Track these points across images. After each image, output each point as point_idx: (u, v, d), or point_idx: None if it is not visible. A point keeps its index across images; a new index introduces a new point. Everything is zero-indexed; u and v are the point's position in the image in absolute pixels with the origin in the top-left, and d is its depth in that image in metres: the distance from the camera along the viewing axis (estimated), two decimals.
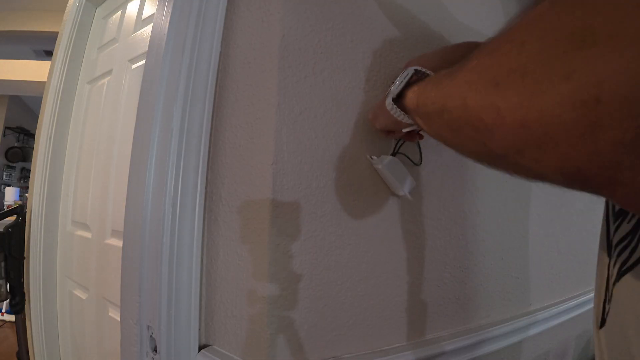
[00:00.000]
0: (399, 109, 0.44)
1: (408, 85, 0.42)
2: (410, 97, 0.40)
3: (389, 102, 0.44)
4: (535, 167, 0.21)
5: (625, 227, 0.28)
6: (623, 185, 0.16)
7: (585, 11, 0.17)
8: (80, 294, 1.13)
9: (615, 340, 0.28)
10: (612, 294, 0.29)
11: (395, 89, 0.43)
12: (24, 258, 1.21)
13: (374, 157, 0.56)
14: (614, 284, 0.29)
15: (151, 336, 0.55)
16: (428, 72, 0.43)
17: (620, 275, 0.28)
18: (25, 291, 1.20)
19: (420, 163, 0.62)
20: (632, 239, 0.27)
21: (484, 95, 0.23)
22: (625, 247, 0.28)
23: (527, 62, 0.19)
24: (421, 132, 0.54)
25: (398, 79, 0.44)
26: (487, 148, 0.24)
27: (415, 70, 0.43)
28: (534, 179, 0.23)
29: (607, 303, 0.29)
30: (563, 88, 0.17)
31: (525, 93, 0.19)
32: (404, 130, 0.49)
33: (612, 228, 0.30)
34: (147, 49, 0.64)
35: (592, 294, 1.03)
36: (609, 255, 0.30)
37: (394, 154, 0.58)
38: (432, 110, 0.32)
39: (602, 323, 0.30)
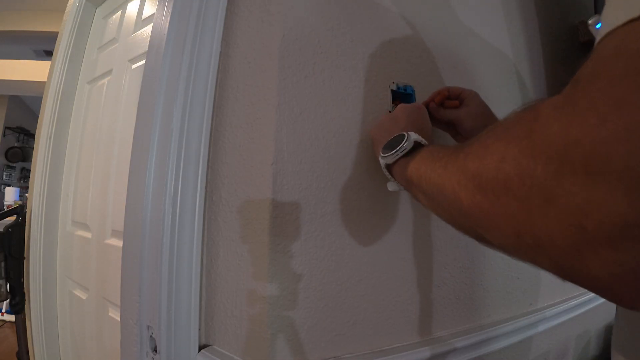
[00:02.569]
0: (390, 176, 0.47)
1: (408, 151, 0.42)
2: (411, 172, 0.40)
3: (383, 166, 0.46)
4: (531, 261, 0.22)
5: None
6: (611, 293, 0.18)
7: (564, 139, 0.17)
8: (80, 294, 1.13)
9: (621, 334, 0.29)
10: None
11: (392, 157, 0.43)
12: (24, 258, 1.21)
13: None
14: None
15: (151, 336, 0.55)
16: (424, 142, 0.42)
17: None
18: (25, 291, 1.20)
19: None
20: None
21: (473, 197, 0.24)
22: None
23: (508, 178, 0.20)
24: None
25: (403, 143, 0.42)
26: (480, 235, 0.26)
27: (415, 142, 0.42)
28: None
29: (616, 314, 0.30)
30: (549, 211, 0.18)
31: (513, 207, 0.20)
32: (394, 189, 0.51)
33: None
34: (147, 49, 0.64)
35: (591, 294, 1.03)
36: None
37: None
38: (428, 193, 0.34)
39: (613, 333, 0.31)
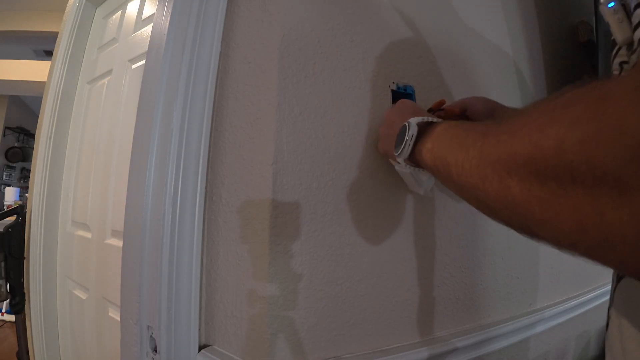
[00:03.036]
0: (413, 167, 0.42)
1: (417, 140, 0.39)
2: (427, 157, 0.36)
3: (401, 163, 0.42)
4: (591, 257, 0.20)
5: None
6: None
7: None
8: (80, 294, 1.13)
9: (612, 340, 0.28)
10: (613, 298, 0.29)
11: (406, 150, 0.40)
12: (24, 258, 1.21)
13: (400, 162, 0.50)
14: (614, 289, 0.29)
15: (151, 336, 0.55)
16: (433, 119, 0.39)
17: (618, 280, 0.28)
18: (25, 291, 1.20)
19: None
20: None
21: (526, 186, 0.21)
22: None
23: (574, 162, 0.18)
24: None
25: (406, 135, 0.40)
26: (529, 228, 0.23)
27: (418, 124, 0.39)
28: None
29: (610, 308, 0.30)
30: (622, 204, 0.16)
31: (580, 197, 0.18)
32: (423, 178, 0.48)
33: None
34: (147, 49, 0.64)
35: (592, 294, 1.03)
36: None
37: None
38: (461, 184, 0.29)
39: (607, 327, 0.31)
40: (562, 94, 0.20)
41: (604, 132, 0.16)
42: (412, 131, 0.39)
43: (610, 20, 0.31)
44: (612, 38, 0.32)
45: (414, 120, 0.39)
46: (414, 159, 0.40)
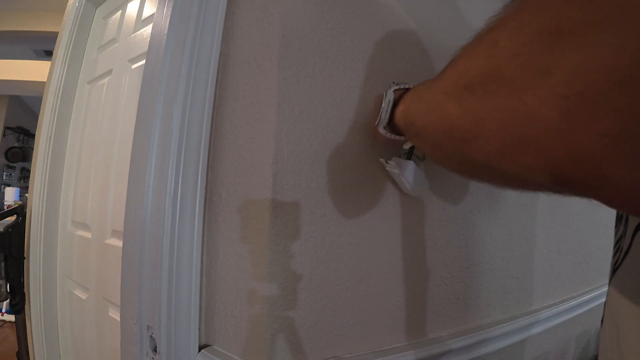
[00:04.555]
0: (392, 134, 0.43)
1: (395, 106, 0.41)
2: (399, 117, 0.38)
3: (381, 130, 0.44)
4: (519, 171, 0.20)
5: (621, 230, 0.28)
6: (610, 184, 0.16)
7: (559, 2, 0.16)
8: (80, 294, 1.13)
9: (607, 336, 0.28)
10: (607, 294, 0.29)
11: (384, 116, 0.41)
12: (24, 258, 1.21)
13: (390, 162, 0.53)
14: (609, 284, 0.29)
15: (151, 336, 0.55)
16: (407, 85, 0.40)
17: (612, 275, 0.28)
18: (25, 291, 1.20)
19: (424, 158, 0.61)
20: (621, 241, 0.27)
21: (461, 103, 0.22)
22: (618, 250, 0.28)
23: (501, 63, 0.19)
24: None
25: (383, 104, 0.42)
26: (468, 157, 0.23)
27: (395, 90, 0.41)
28: (521, 188, 0.23)
29: (605, 305, 0.30)
30: (543, 85, 0.16)
31: (503, 95, 0.18)
32: (405, 147, 0.49)
33: (614, 232, 0.31)
34: (147, 49, 0.64)
35: (592, 294, 1.03)
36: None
37: (408, 157, 0.55)
38: (418, 128, 0.31)
39: (602, 322, 0.31)
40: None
41: (528, 24, 0.17)
42: (389, 97, 0.40)
43: None
44: None
45: (390, 89, 0.40)
46: (395, 129, 0.41)
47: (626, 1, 0.14)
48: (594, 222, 1.08)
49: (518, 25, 0.18)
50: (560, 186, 0.18)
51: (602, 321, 0.30)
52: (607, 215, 1.17)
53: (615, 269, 0.28)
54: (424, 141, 0.31)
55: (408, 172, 0.52)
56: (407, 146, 0.49)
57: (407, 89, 0.39)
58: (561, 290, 0.94)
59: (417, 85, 0.36)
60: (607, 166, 0.15)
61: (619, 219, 0.30)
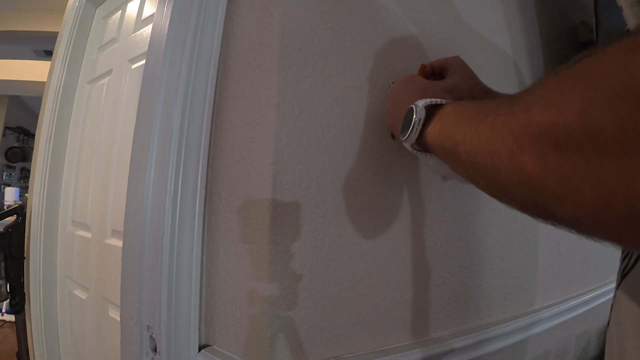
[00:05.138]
0: (420, 151, 0.40)
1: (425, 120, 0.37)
2: (433, 138, 0.35)
3: (406, 146, 0.41)
4: (612, 238, 0.18)
5: None
6: None
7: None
8: (80, 294, 1.13)
9: (613, 338, 0.28)
10: (615, 298, 0.29)
11: (413, 135, 0.38)
12: (24, 258, 1.21)
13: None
14: (617, 288, 0.29)
15: (151, 336, 0.55)
16: (438, 101, 0.37)
17: (621, 279, 0.28)
18: (25, 291, 1.20)
19: None
20: None
21: (544, 159, 0.19)
22: (627, 254, 0.28)
23: (603, 126, 0.16)
24: None
25: (413, 119, 0.37)
26: (545, 208, 0.21)
27: (426, 107, 0.37)
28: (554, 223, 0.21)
29: (612, 307, 0.30)
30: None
31: (605, 166, 0.16)
32: (429, 163, 0.45)
33: None
34: (147, 49, 0.64)
35: (592, 294, 1.03)
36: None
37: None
38: (471, 164, 0.27)
39: (608, 324, 0.31)
40: (587, 52, 0.18)
41: (636, 86, 0.14)
42: (420, 115, 0.37)
43: (622, 4, 0.30)
44: (627, 28, 0.31)
45: (421, 103, 0.37)
46: (420, 142, 0.38)
47: None
48: None
49: (617, 87, 0.15)
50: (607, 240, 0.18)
51: (608, 323, 0.30)
52: None
53: (624, 274, 0.28)
54: (477, 177, 0.27)
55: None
56: (432, 162, 0.44)
57: (438, 105, 0.36)
58: (561, 290, 0.94)
59: (458, 105, 0.33)
60: None
61: None
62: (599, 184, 0.16)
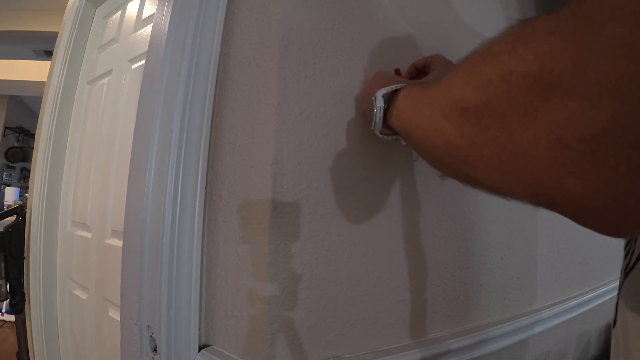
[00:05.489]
0: (389, 135, 0.44)
1: (387, 105, 0.41)
2: (393, 121, 0.39)
3: (377, 134, 0.45)
4: (509, 193, 0.22)
5: None
6: (593, 217, 0.18)
7: (548, 54, 0.17)
8: (80, 294, 1.13)
9: (619, 338, 0.28)
10: (619, 297, 0.29)
11: (378, 122, 0.42)
12: (24, 258, 1.21)
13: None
14: (620, 287, 0.29)
15: (151, 336, 0.55)
16: (396, 87, 0.41)
17: (624, 278, 0.28)
18: (25, 291, 1.20)
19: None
20: (632, 244, 0.27)
21: (458, 126, 0.23)
22: (628, 253, 0.28)
23: (494, 99, 0.20)
24: None
25: (374, 109, 0.42)
26: (465, 174, 0.25)
27: (383, 95, 0.41)
28: (507, 198, 0.25)
29: (617, 306, 0.30)
30: (532, 126, 0.18)
31: (497, 128, 0.20)
32: (403, 143, 0.50)
33: None
34: (147, 49, 0.64)
35: (592, 294, 1.03)
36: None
37: None
38: (418, 138, 0.32)
39: (614, 324, 0.31)
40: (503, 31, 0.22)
41: (518, 68, 0.19)
42: (379, 104, 0.41)
43: None
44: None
45: (379, 93, 0.41)
46: (391, 128, 0.42)
47: (613, 68, 0.15)
48: None
49: (511, 65, 0.19)
50: (543, 206, 0.21)
51: (614, 323, 0.30)
52: None
53: (627, 272, 0.28)
54: (423, 151, 0.32)
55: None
56: (405, 143, 0.49)
57: (396, 90, 0.40)
58: (561, 290, 0.94)
59: (408, 89, 0.36)
60: (593, 203, 0.17)
61: None
62: (492, 141, 0.20)
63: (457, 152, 0.24)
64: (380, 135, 0.45)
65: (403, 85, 0.40)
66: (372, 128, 0.44)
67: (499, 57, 0.21)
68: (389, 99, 0.41)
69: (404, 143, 0.50)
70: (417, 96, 0.33)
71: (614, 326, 0.31)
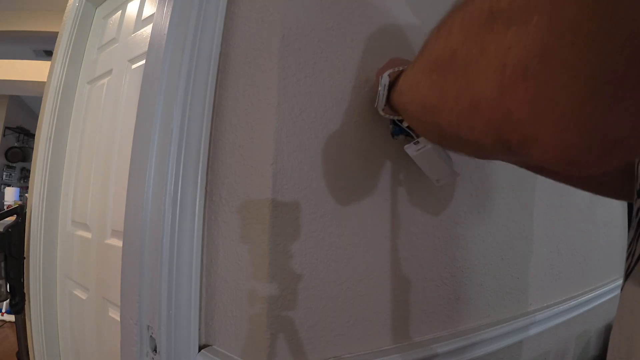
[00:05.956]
0: (392, 114, 0.47)
1: (392, 87, 0.43)
2: (394, 97, 0.42)
3: (380, 112, 0.47)
4: (473, 138, 0.23)
5: (630, 234, 0.28)
6: (539, 144, 0.18)
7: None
8: (80, 294, 1.13)
9: (616, 341, 0.28)
10: (620, 299, 0.29)
11: (381, 100, 0.45)
12: (24, 258, 1.21)
13: (412, 145, 0.53)
14: (621, 289, 0.29)
15: (151, 336, 0.55)
16: (401, 68, 0.43)
17: (624, 280, 0.28)
18: (25, 291, 1.20)
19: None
20: (633, 245, 0.27)
21: (429, 80, 0.26)
22: (630, 254, 0.28)
23: (454, 45, 0.23)
24: None
25: (379, 87, 0.45)
26: (439, 128, 0.27)
27: (389, 74, 0.44)
28: (484, 156, 0.27)
29: (618, 309, 0.30)
30: (482, 61, 0.20)
31: (456, 71, 0.22)
32: (404, 125, 0.52)
33: (627, 236, 0.31)
34: (147, 49, 0.64)
35: (592, 294, 1.03)
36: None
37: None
38: (406, 103, 0.35)
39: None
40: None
41: (472, 9, 0.21)
42: (384, 81, 0.43)
43: None
44: None
45: (386, 73, 0.44)
46: (394, 109, 0.45)
47: None
48: (594, 222, 1.09)
49: (467, 10, 0.22)
50: (504, 149, 0.21)
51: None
52: (607, 215, 1.17)
53: (627, 274, 0.28)
54: (410, 116, 0.35)
55: (433, 148, 0.50)
56: (405, 125, 0.51)
57: (402, 71, 0.42)
58: (561, 291, 0.94)
59: (408, 67, 0.39)
60: (535, 129, 0.18)
61: (630, 222, 0.30)
62: (452, 84, 0.23)
63: (429, 106, 0.26)
64: (382, 113, 0.47)
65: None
66: (375, 106, 0.46)
67: (459, 8, 0.23)
68: (396, 79, 0.43)
69: (405, 125, 0.51)
70: (409, 68, 0.36)
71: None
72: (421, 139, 0.53)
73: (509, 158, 0.23)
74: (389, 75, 0.44)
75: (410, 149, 0.53)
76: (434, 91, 0.25)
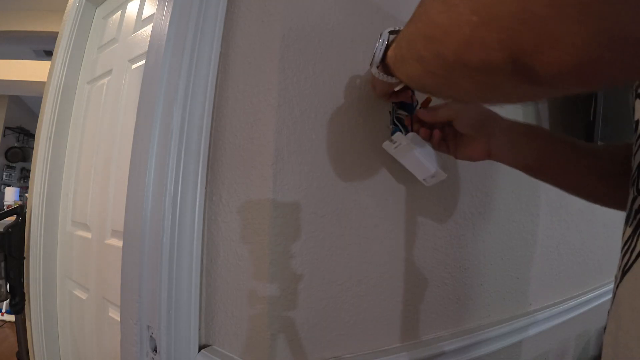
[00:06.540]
0: (383, 74, 0.44)
1: (387, 48, 0.41)
2: (390, 55, 0.40)
3: (373, 70, 0.44)
4: (480, 55, 0.23)
5: (628, 231, 0.28)
6: (558, 43, 0.18)
7: None
8: (80, 294, 1.13)
9: (610, 338, 0.28)
10: (615, 296, 0.29)
11: (377, 55, 0.42)
12: (24, 258, 1.21)
13: (388, 142, 0.52)
14: (617, 286, 0.29)
15: (151, 336, 0.55)
16: (399, 28, 0.41)
17: (622, 277, 0.28)
18: (25, 291, 1.20)
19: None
20: (631, 241, 0.27)
21: (430, 16, 0.27)
22: (627, 250, 0.28)
23: None
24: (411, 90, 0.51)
25: (377, 43, 0.42)
26: (444, 60, 0.27)
27: (390, 31, 0.42)
28: (482, 90, 0.27)
29: (611, 305, 0.29)
30: None
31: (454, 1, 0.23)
32: (396, 89, 0.48)
33: (622, 232, 0.30)
34: (147, 49, 0.64)
35: (592, 294, 1.03)
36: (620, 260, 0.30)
37: (393, 123, 0.54)
38: (405, 48, 0.34)
39: (605, 328, 0.30)
40: None
41: None
42: (383, 37, 0.42)
43: None
44: None
45: (386, 30, 0.42)
46: (387, 71, 0.43)
47: None
48: (593, 222, 1.09)
49: None
50: (515, 66, 0.21)
51: (605, 328, 0.30)
52: (606, 215, 1.17)
53: (625, 271, 0.27)
54: (409, 62, 0.34)
55: (412, 139, 0.49)
56: (397, 88, 0.48)
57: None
58: (561, 291, 0.94)
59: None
60: (556, 26, 0.18)
61: (626, 219, 0.30)
62: (450, 10, 0.24)
63: (436, 33, 0.27)
64: (374, 72, 0.44)
65: None
66: (370, 64, 0.44)
67: None
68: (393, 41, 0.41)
69: (397, 89, 0.48)
70: (404, 30, 0.36)
71: (605, 330, 0.30)
72: (395, 136, 0.51)
73: (515, 82, 0.23)
74: (390, 33, 0.42)
75: (388, 147, 0.52)
76: (441, 16, 0.25)
